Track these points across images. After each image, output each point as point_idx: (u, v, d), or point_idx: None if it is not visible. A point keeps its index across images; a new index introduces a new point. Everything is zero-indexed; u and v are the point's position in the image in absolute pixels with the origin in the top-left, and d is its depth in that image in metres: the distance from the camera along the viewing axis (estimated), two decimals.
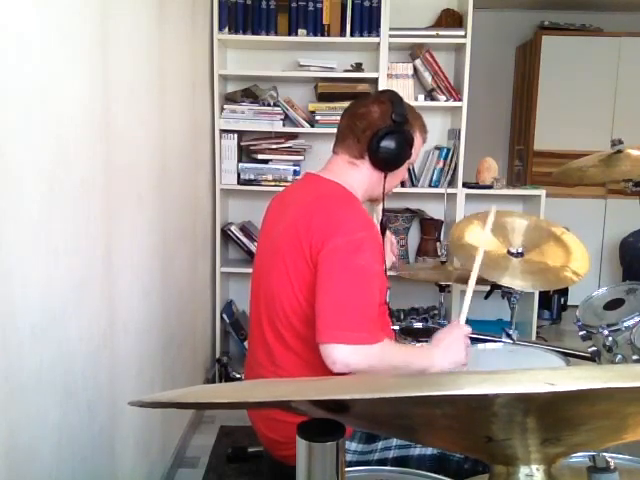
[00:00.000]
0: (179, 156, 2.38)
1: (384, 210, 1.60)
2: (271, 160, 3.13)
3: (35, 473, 1.24)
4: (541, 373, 0.47)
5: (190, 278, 2.61)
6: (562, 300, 4.22)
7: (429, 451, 1.38)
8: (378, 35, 3.02)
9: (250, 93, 3.12)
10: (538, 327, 3.56)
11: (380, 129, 1.43)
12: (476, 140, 3.68)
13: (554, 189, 3.96)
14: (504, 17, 4.90)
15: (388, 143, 1.43)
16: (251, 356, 1.57)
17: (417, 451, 1.38)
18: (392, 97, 1.49)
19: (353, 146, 1.47)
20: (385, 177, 1.49)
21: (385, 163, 1.46)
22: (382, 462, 1.36)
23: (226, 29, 3.01)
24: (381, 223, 1.59)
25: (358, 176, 1.48)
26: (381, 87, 3.06)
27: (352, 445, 1.41)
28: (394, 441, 1.40)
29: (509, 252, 1.96)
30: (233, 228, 3.23)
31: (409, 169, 3.21)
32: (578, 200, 4.63)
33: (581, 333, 1.74)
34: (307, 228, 1.35)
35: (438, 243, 3.28)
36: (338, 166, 1.50)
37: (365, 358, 1.29)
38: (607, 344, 1.62)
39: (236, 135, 3.12)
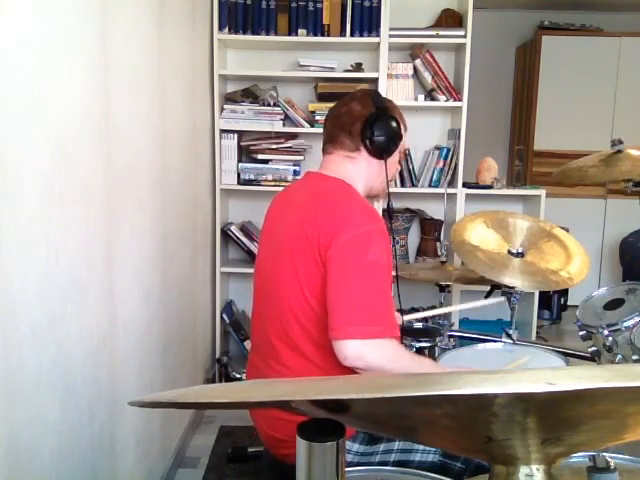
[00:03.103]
0: (179, 156, 2.38)
1: (388, 207, 1.61)
2: (271, 160, 3.13)
3: (35, 473, 1.24)
4: (541, 373, 0.47)
5: (190, 278, 2.61)
6: (562, 300, 4.22)
7: (430, 457, 1.38)
8: (378, 35, 3.02)
9: (250, 93, 3.12)
10: (538, 327, 3.56)
11: (368, 118, 1.47)
12: (476, 140, 3.68)
13: (554, 189, 3.97)
14: (504, 17, 4.91)
15: (379, 129, 1.47)
16: (254, 356, 1.56)
17: (418, 456, 1.38)
18: (367, 91, 1.57)
19: (347, 141, 1.49)
20: (386, 163, 1.51)
21: (381, 148, 1.49)
22: (383, 464, 1.36)
23: (226, 29, 3.01)
24: (388, 207, 1.60)
25: (357, 169, 1.50)
26: (381, 87, 3.06)
27: (354, 446, 1.40)
28: (396, 444, 1.40)
29: (509, 252, 1.97)
30: (233, 228, 3.23)
31: (409, 170, 3.21)
32: (578, 200, 4.63)
33: (581, 333, 1.74)
34: (313, 226, 1.36)
35: (438, 243, 3.29)
36: (335, 163, 1.51)
37: (378, 353, 1.29)
38: (607, 344, 1.61)
39: (236, 135, 3.12)
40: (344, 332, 1.28)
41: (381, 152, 1.49)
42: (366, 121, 1.46)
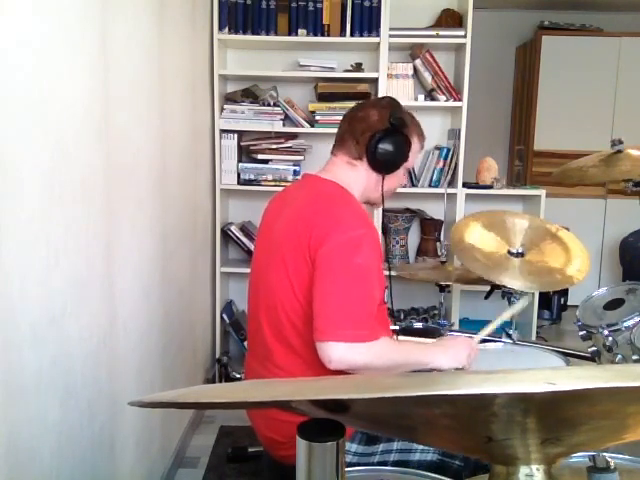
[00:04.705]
0: (179, 156, 2.38)
1: (384, 211, 1.61)
2: (271, 160, 3.13)
3: (35, 473, 1.24)
4: (541, 373, 0.47)
5: (190, 278, 2.61)
6: (562, 300, 4.22)
7: (429, 457, 1.38)
8: (378, 35, 3.02)
9: (250, 93, 3.12)
10: (538, 327, 3.56)
11: (378, 131, 1.46)
12: (476, 140, 3.68)
13: (554, 189, 3.96)
14: (504, 17, 4.90)
15: (385, 145, 1.46)
16: (251, 357, 1.57)
17: (417, 456, 1.38)
18: (391, 102, 1.54)
19: (352, 147, 1.49)
20: (383, 179, 1.50)
21: (382, 164, 1.49)
22: (382, 465, 1.36)
23: (226, 29, 3.01)
24: (382, 224, 1.59)
25: (356, 177, 1.50)
26: (381, 87, 3.06)
27: (352, 447, 1.41)
28: (395, 444, 1.40)
29: (509, 252, 1.96)
30: (233, 228, 3.23)
31: (409, 170, 3.20)
32: (578, 200, 4.63)
33: (581, 333, 1.74)
34: (306, 227, 1.36)
35: (438, 243, 3.29)
36: (336, 166, 1.51)
37: (361, 356, 1.29)
38: (607, 344, 1.61)
39: (236, 135, 3.12)
40: (328, 334, 1.28)
41: (381, 167, 1.49)
42: (375, 134, 1.46)
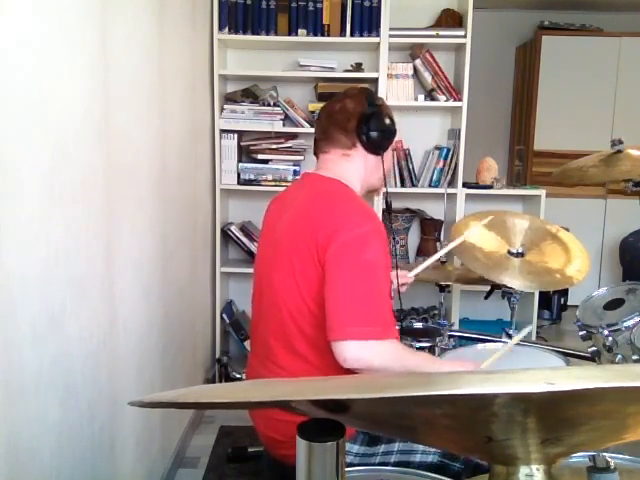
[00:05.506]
0: (179, 156, 2.38)
1: (387, 194, 1.62)
2: (271, 160, 3.13)
3: (35, 473, 1.24)
4: (541, 373, 0.47)
5: (190, 278, 2.61)
6: (562, 300, 4.22)
7: (429, 458, 1.38)
8: (378, 35, 3.02)
9: (250, 93, 3.12)
10: (538, 327, 3.56)
11: (362, 115, 1.48)
12: (476, 140, 3.68)
13: (554, 189, 3.97)
14: (504, 17, 4.91)
15: (375, 124, 1.48)
16: (252, 356, 1.56)
17: (418, 457, 1.38)
18: (360, 89, 1.58)
19: (342, 138, 1.49)
20: (382, 158, 1.52)
21: (378, 144, 1.50)
22: (383, 466, 1.36)
23: (226, 29, 3.01)
24: (387, 204, 1.60)
25: (353, 167, 1.50)
26: (381, 87, 3.06)
27: (354, 447, 1.40)
28: (396, 445, 1.39)
29: (509, 252, 1.96)
30: (233, 228, 3.23)
31: (409, 170, 3.21)
32: (578, 200, 4.63)
33: (581, 333, 1.74)
34: (311, 227, 1.35)
35: (438, 243, 3.29)
36: (333, 162, 1.51)
37: (377, 354, 1.28)
38: (607, 344, 1.61)
39: (236, 135, 3.13)
40: (342, 333, 1.27)
41: (377, 147, 1.50)
42: (361, 117, 1.47)
